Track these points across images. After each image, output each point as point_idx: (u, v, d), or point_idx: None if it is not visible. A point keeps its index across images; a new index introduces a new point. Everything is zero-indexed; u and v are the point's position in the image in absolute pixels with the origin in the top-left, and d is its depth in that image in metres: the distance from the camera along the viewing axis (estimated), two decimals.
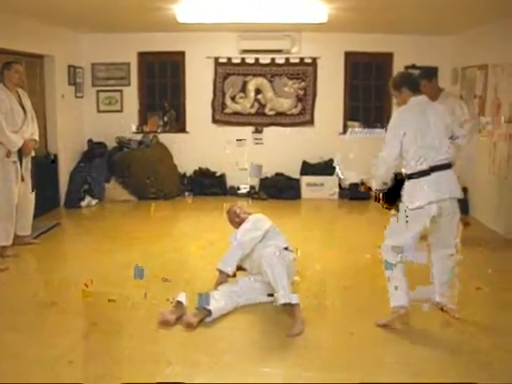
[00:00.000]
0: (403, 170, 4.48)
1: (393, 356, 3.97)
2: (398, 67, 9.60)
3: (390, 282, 4.45)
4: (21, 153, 6.36)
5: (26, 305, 4.90)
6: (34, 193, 6.70)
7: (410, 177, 4.40)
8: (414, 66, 9.35)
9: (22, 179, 6.43)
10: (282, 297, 4.42)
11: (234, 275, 5.06)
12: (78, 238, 7.44)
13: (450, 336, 4.31)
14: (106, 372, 3.68)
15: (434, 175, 4.33)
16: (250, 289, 4.84)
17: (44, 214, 7.90)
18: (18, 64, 6.45)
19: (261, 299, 4.82)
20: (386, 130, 4.56)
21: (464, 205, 8.23)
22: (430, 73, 6.82)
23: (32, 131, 6.55)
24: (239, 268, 5.13)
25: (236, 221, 5.34)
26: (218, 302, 4.58)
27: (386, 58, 9.76)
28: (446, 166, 4.40)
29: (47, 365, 3.77)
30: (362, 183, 4.38)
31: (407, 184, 4.43)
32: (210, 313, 4.47)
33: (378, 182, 4.67)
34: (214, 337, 4.27)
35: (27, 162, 6.55)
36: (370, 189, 4.58)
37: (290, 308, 4.45)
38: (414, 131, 4.32)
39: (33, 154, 6.63)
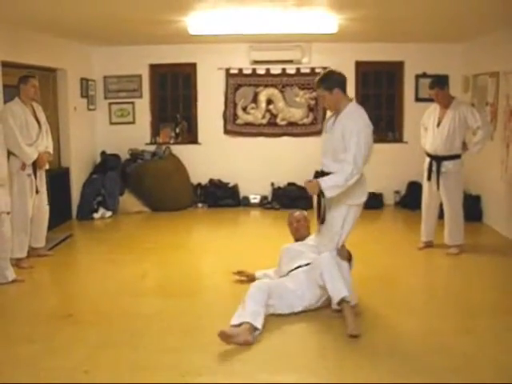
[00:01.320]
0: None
1: None
2: (408, 76, 9.65)
3: None
4: (35, 166, 6.41)
5: (41, 316, 4.92)
6: (48, 205, 6.75)
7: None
8: (424, 75, 9.38)
9: (37, 192, 6.48)
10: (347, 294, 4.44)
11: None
12: (92, 249, 7.47)
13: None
14: (120, 382, 3.70)
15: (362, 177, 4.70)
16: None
17: (57, 226, 7.95)
18: (34, 78, 6.50)
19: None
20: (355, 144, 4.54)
21: (477, 212, 8.26)
22: (442, 81, 6.83)
23: (46, 144, 6.61)
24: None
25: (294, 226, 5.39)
26: (262, 316, 4.42)
27: (397, 67, 9.78)
28: None
29: (63, 375, 3.79)
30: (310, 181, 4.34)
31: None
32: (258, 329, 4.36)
33: (338, 191, 4.62)
34: (231, 346, 4.28)
35: (42, 175, 6.60)
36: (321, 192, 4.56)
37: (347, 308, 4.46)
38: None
39: (47, 166, 6.69)
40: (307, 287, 4.77)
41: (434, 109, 6.77)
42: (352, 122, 4.52)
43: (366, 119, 4.59)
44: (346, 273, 4.70)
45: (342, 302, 4.42)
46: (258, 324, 4.32)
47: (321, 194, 4.64)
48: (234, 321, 4.35)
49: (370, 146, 4.57)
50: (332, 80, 4.58)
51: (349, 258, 5.00)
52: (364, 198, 4.76)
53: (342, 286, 4.43)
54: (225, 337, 4.16)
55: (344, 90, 4.60)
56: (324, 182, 4.58)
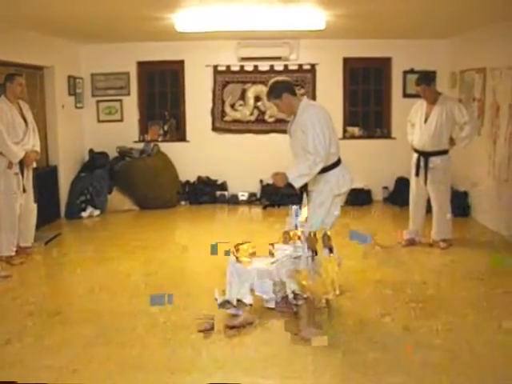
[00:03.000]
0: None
1: None
2: (396, 72, 9.67)
3: None
4: (22, 164, 6.39)
5: (30, 315, 4.91)
6: (36, 204, 6.73)
7: (334, 166, 4.81)
8: (412, 71, 9.40)
9: (24, 190, 6.46)
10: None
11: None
12: (81, 247, 7.45)
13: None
14: (109, 380, 3.69)
15: (340, 166, 4.91)
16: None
17: (45, 225, 7.91)
18: (20, 77, 6.48)
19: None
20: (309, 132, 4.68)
21: (465, 207, 8.30)
22: (429, 77, 6.85)
23: (33, 143, 6.59)
24: None
25: None
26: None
27: (385, 63, 9.80)
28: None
29: (51, 374, 3.79)
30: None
31: (332, 173, 4.81)
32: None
33: (305, 179, 4.75)
34: (220, 343, 4.28)
35: (29, 174, 6.57)
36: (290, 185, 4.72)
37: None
38: (330, 128, 4.77)
39: (34, 165, 6.66)
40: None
41: (420, 105, 6.79)
42: (306, 116, 4.72)
43: (318, 112, 4.76)
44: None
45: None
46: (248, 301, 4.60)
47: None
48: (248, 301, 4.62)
49: (328, 135, 4.71)
50: (278, 88, 4.81)
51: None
52: (345, 189, 4.88)
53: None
54: (229, 320, 4.53)
55: (292, 93, 4.80)
56: (290, 173, 4.73)
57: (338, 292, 4.91)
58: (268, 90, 4.86)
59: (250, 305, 4.60)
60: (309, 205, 4.87)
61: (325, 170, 4.78)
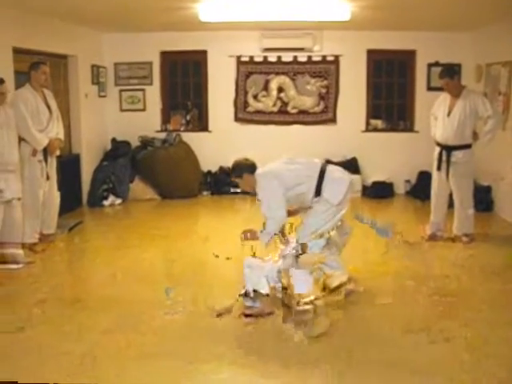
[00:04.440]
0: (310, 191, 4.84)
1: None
2: (421, 64, 9.58)
3: None
4: (46, 152, 6.44)
5: (51, 301, 4.96)
6: (59, 191, 6.78)
7: (320, 181, 4.82)
8: (437, 63, 9.31)
9: (48, 178, 6.51)
10: None
11: None
12: (102, 236, 7.50)
13: None
14: (128, 368, 3.72)
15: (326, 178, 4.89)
16: None
17: (67, 213, 7.96)
18: (45, 65, 6.52)
19: None
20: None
21: (488, 202, 8.23)
22: (452, 70, 6.78)
23: (57, 131, 6.63)
24: None
25: None
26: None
27: (409, 56, 9.71)
28: None
29: (72, 360, 3.83)
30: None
31: (323, 192, 4.81)
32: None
33: (269, 240, 4.86)
34: (238, 333, 4.30)
35: (52, 161, 6.63)
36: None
37: None
38: (287, 174, 4.86)
39: (58, 153, 6.71)
40: None
41: (444, 98, 6.73)
42: (257, 188, 4.87)
43: (261, 179, 4.87)
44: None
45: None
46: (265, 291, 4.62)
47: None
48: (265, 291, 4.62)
49: (276, 197, 4.77)
50: (239, 168, 5.02)
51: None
52: (337, 200, 4.78)
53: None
54: (248, 311, 4.56)
55: (252, 172, 4.95)
56: (261, 237, 4.86)
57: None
58: (231, 170, 5.17)
59: (267, 295, 4.60)
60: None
61: (317, 190, 4.81)
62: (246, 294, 4.64)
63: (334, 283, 4.87)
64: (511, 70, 7.69)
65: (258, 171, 4.92)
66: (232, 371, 3.74)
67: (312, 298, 4.65)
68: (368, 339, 4.19)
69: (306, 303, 4.57)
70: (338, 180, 4.87)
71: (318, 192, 4.78)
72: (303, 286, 4.53)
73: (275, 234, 4.85)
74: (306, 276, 4.59)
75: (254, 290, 4.62)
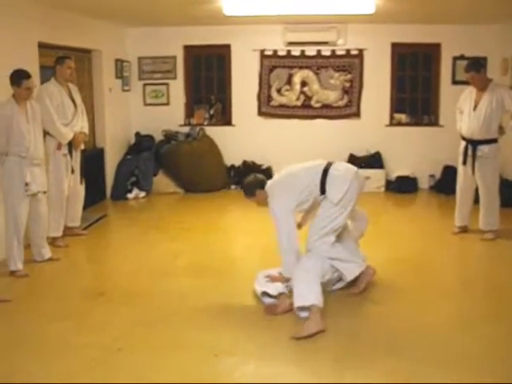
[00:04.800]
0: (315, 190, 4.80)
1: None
2: (445, 58, 9.48)
3: None
4: (71, 146, 6.49)
5: (75, 294, 5.02)
6: (83, 185, 6.83)
7: (323, 181, 4.76)
8: (462, 57, 9.21)
9: (73, 172, 6.56)
10: None
11: None
12: (126, 229, 7.55)
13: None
14: (153, 360, 3.74)
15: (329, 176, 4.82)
16: None
17: (91, 206, 8.03)
18: (70, 60, 6.56)
19: None
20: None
21: (509, 198, 8.13)
22: (478, 64, 6.67)
23: (82, 125, 6.67)
24: None
25: None
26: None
27: (434, 49, 9.61)
28: None
29: (97, 352, 3.86)
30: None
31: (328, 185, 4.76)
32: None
33: (288, 264, 4.76)
34: (263, 326, 4.30)
35: (77, 155, 6.67)
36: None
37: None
38: (290, 180, 4.86)
39: (82, 147, 6.75)
40: None
41: (470, 92, 6.65)
42: (269, 204, 4.84)
43: (274, 198, 4.81)
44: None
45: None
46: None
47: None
48: (272, 292, 4.66)
49: (287, 212, 4.75)
50: (251, 187, 5.00)
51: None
52: (341, 194, 4.69)
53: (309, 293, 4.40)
54: (270, 309, 4.52)
55: (263, 187, 4.93)
56: (283, 271, 4.83)
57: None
58: (243, 191, 5.12)
59: (280, 294, 4.62)
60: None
61: (322, 189, 4.77)
62: (265, 293, 4.67)
63: (349, 277, 4.85)
64: None
65: (268, 189, 4.91)
66: (257, 364, 3.75)
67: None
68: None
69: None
70: (339, 178, 4.77)
71: (323, 190, 4.74)
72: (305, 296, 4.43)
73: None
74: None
75: (265, 292, 4.67)
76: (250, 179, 5.08)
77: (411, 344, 3.98)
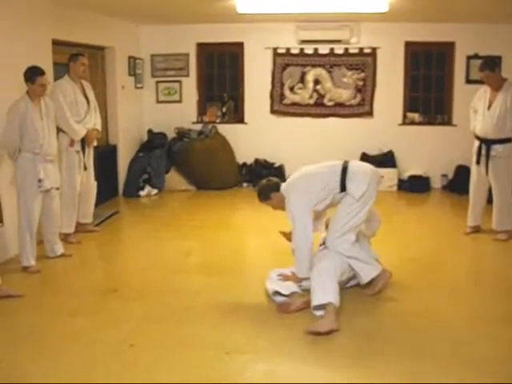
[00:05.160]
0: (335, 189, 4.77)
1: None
2: (459, 57, 9.44)
3: None
4: (84, 142, 6.51)
5: (88, 290, 5.04)
6: (95, 182, 6.85)
7: (343, 178, 4.74)
8: (476, 56, 9.16)
9: (85, 168, 6.58)
10: None
11: None
12: (138, 226, 7.57)
13: None
14: (164, 357, 3.75)
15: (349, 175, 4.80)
16: None
17: (103, 203, 8.05)
18: (83, 57, 6.59)
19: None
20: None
21: None
22: (493, 63, 6.63)
23: (95, 121, 6.69)
24: None
25: None
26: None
27: (448, 48, 9.57)
28: None
29: (109, 348, 3.88)
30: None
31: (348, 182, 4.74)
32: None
33: (304, 261, 4.75)
34: (275, 324, 4.30)
35: (90, 152, 6.69)
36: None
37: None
38: (307, 179, 4.83)
39: (95, 143, 6.77)
40: None
41: (484, 91, 6.61)
42: (286, 205, 4.81)
43: (291, 197, 4.77)
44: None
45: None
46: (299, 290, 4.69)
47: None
48: (284, 291, 4.63)
49: (305, 212, 4.73)
50: (265, 191, 4.99)
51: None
52: (362, 190, 4.68)
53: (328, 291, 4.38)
54: (283, 307, 4.49)
55: (278, 189, 4.91)
56: (296, 271, 4.80)
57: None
58: (258, 196, 5.05)
59: (292, 293, 4.62)
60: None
61: (342, 187, 4.75)
62: (277, 292, 4.66)
63: (366, 279, 4.84)
64: None
65: (283, 187, 4.90)
66: (268, 363, 3.74)
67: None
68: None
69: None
70: (360, 174, 4.79)
71: (343, 188, 4.72)
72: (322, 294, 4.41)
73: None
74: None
75: (277, 292, 4.66)
76: (264, 183, 5.08)
77: (425, 344, 3.96)
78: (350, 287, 4.93)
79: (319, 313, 4.31)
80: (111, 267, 5.97)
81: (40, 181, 5.49)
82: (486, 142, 6.49)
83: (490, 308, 4.67)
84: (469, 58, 9.36)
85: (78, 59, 6.46)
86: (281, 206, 4.91)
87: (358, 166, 4.86)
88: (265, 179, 5.13)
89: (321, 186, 4.74)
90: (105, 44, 8.61)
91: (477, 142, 6.64)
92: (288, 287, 4.67)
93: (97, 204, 7.13)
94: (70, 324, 4.30)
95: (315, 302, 4.31)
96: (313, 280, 4.46)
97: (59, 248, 5.96)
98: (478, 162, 6.63)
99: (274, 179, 5.10)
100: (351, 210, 4.73)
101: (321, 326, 4.13)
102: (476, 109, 6.68)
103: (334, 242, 4.78)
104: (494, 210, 6.67)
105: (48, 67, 6.41)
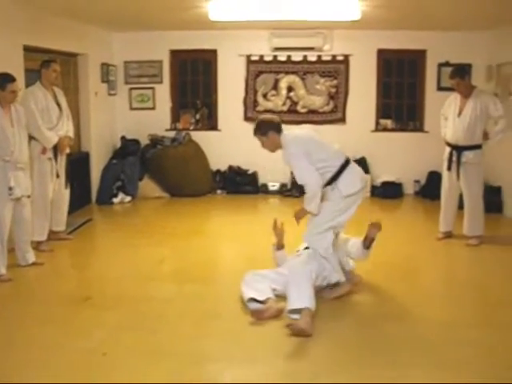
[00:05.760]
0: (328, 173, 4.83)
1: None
2: (431, 64, 9.56)
3: None
4: (56, 150, 6.45)
5: (60, 299, 4.98)
6: (68, 189, 6.80)
7: (340, 172, 4.83)
8: (447, 63, 9.27)
9: (57, 176, 6.53)
10: None
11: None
12: (111, 233, 7.53)
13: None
14: (137, 365, 3.73)
15: (348, 169, 4.89)
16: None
17: (76, 211, 7.99)
18: (55, 63, 6.53)
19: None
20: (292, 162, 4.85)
21: (498, 203, 8.19)
22: (463, 70, 6.73)
23: (67, 129, 6.64)
24: None
25: None
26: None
27: (419, 55, 9.69)
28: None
29: (81, 357, 3.84)
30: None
31: (340, 179, 4.83)
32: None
33: (314, 201, 4.82)
34: (248, 331, 4.30)
35: (62, 159, 6.63)
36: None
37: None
38: (312, 148, 4.84)
39: (68, 151, 6.72)
40: None
41: (454, 98, 6.70)
42: (285, 151, 4.90)
43: (291, 144, 4.86)
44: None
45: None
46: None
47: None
48: (259, 297, 4.62)
49: (307, 158, 4.78)
50: (264, 126, 4.97)
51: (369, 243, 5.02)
52: (353, 190, 4.83)
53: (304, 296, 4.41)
54: (257, 314, 4.44)
55: (278, 131, 4.96)
56: (305, 205, 4.89)
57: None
58: (255, 127, 5.01)
59: (267, 299, 4.62)
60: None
61: (335, 177, 4.84)
62: (252, 299, 4.65)
63: (333, 280, 4.91)
64: None
65: (289, 137, 4.91)
66: (241, 370, 3.74)
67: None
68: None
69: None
70: (357, 174, 4.93)
71: (334, 178, 4.80)
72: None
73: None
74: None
75: (251, 298, 4.64)
76: (267, 118, 5.12)
77: (397, 348, 3.99)
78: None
79: (295, 316, 4.32)
80: (84, 275, 5.92)
81: (10, 189, 5.43)
82: (457, 149, 6.57)
83: (463, 313, 4.71)
84: (440, 65, 9.49)
85: (49, 66, 6.41)
86: (272, 147, 4.97)
87: (357, 167, 4.99)
88: (268, 115, 5.13)
89: (322, 157, 4.80)
90: (78, 51, 8.56)
91: (448, 149, 6.72)
92: (263, 292, 4.66)
93: (69, 212, 7.07)
94: (42, 333, 4.25)
95: (291, 305, 4.33)
96: (288, 283, 4.48)
97: (31, 256, 5.89)
98: (449, 169, 6.71)
99: (278, 119, 5.10)
100: (334, 210, 4.82)
101: (297, 324, 4.16)
102: (446, 116, 6.76)
103: (314, 238, 4.84)
104: (465, 216, 6.75)
105: (19, 74, 6.37)
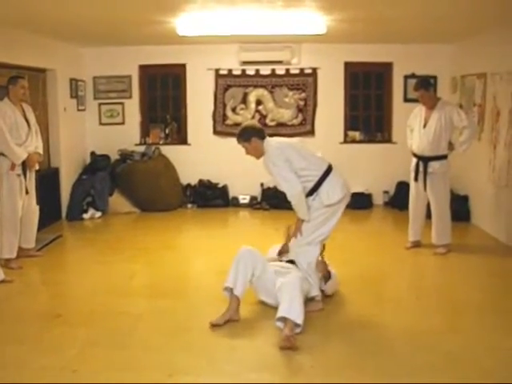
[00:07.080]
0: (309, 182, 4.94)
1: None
2: (397, 76, 9.70)
3: None
4: (25, 166, 6.41)
5: (31, 317, 4.94)
6: (37, 206, 6.75)
7: (322, 180, 4.94)
8: (413, 75, 9.42)
9: (27, 192, 6.48)
10: None
11: None
12: (82, 250, 7.49)
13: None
14: (109, 380, 3.72)
15: (330, 176, 4.99)
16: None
17: (46, 227, 7.91)
18: (23, 79, 6.50)
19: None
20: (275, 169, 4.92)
21: (465, 212, 8.32)
22: (427, 82, 6.86)
23: (36, 145, 6.60)
24: None
25: None
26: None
27: (386, 68, 9.83)
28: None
29: (51, 374, 3.82)
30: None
31: (322, 187, 4.94)
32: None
33: (301, 208, 4.96)
34: (218, 345, 4.31)
35: (31, 175, 6.60)
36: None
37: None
38: (294, 155, 4.91)
39: (37, 167, 6.69)
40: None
41: (419, 110, 6.82)
42: (267, 157, 4.97)
43: (272, 150, 4.94)
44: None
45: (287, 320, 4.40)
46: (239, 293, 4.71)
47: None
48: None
49: (288, 165, 4.87)
50: (247, 133, 5.04)
51: (327, 275, 5.10)
52: (336, 198, 4.94)
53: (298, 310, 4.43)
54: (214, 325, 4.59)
55: (261, 137, 5.03)
56: (297, 214, 5.03)
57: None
58: (238, 134, 5.08)
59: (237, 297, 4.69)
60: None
61: (316, 187, 4.94)
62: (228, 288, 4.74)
63: (314, 293, 4.94)
64: (486, 81, 7.82)
65: (272, 143, 4.99)
66: (210, 382, 3.75)
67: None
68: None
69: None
70: (340, 183, 4.99)
71: (316, 187, 4.89)
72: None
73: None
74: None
75: (229, 288, 4.72)
76: (250, 124, 5.25)
77: (367, 356, 4.05)
78: None
79: (279, 323, 4.40)
80: (54, 292, 5.87)
81: None
82: (423, 159, 6.68)
83: (429, 320, 4.79)
84: (406, 77, 9.64)
85: (17, 82, 6.38)
86: (255, 153, 5.05)
87: (338, 176, 5.04)
88: (251, 121, 5.21)
89: (302, 166, 4.88)
90: (46, 66, 8.54)
91: (414, 160, 6.83)
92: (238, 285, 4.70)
93: (39, 228, 7.02)
94: (12, 352, 4.22)
95: (281, 313, 4.37)
96: (283, 292, 4.52)
97: (0, 274, 5.84)
98: (416, 179, 6.82)
99: (260, 126, 5.25)
100: (321, 220, 4.93)
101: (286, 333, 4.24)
102: (412, 127, 6.88)
103: (300, 249, 4.90)
104: (432, 225, 6.85)
105: None
